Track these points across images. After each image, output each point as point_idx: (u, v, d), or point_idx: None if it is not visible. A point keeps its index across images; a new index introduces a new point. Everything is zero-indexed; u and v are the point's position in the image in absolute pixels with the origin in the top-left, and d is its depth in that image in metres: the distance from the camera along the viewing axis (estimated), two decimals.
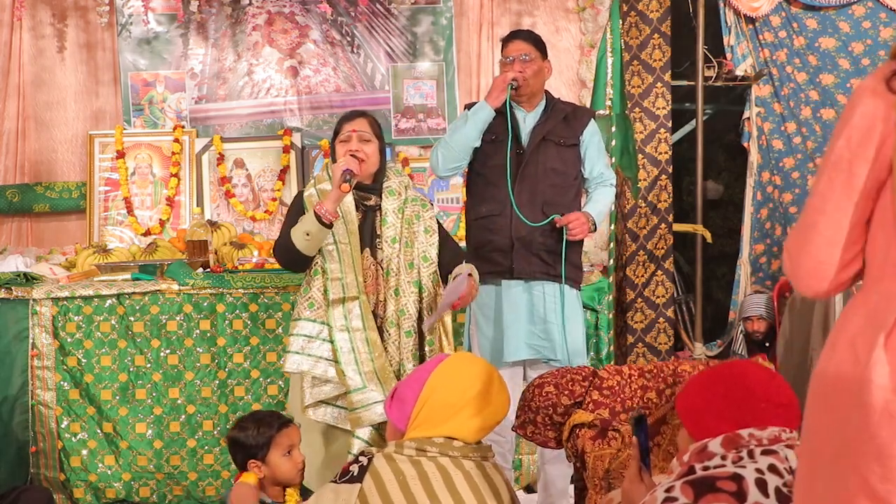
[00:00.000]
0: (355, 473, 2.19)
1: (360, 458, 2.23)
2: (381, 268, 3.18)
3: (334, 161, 3.21)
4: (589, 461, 2.76)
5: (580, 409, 2.88)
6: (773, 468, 1.87)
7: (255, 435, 2.77)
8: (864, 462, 1.42)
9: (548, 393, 2.95)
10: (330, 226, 3.06)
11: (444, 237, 3.32)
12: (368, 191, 3.21)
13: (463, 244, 4.15)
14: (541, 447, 3.74)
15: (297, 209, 3.21)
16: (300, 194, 3.26)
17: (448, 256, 3.28)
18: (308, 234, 3.06)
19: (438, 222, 3.33)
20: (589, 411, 2.90)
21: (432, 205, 3.39)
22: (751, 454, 1.90)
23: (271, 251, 3.32)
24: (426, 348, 3.20)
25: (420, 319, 3.20)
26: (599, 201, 3.72)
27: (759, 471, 1.86)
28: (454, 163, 3.62)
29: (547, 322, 3.58)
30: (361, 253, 3.17)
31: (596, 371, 2.97)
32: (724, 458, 1.92)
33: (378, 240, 3.19)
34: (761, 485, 1.84)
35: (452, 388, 2.30)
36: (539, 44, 3.69)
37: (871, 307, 1.50)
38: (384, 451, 2.23)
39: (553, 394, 2.95)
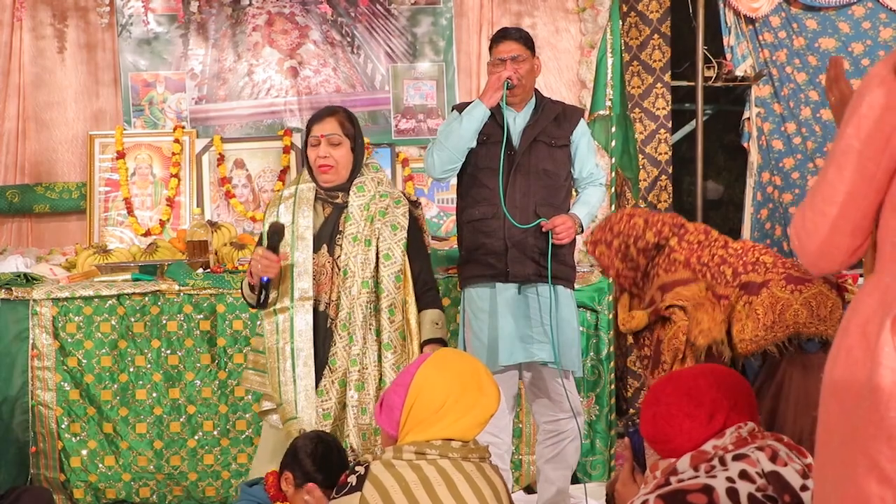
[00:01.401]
0: (353, 484, 2.16)
1: (357, 468, 2.19)
2: (338, 266, 3.07)
3: (308, 163, 3.14)
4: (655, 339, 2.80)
5: (663, 273, 2.88)
6: (744, 474, 1.87)
7: (309, 463, 2.73)
8: (874, 444, 1.43)
9: (635, 224, 2.95)
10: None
11: (418, 245, 3.20)
12: (338, 189, 3.13)
13: (455, 246, 4.16)
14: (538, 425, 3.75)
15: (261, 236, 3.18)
16: (261, 233, 3.18)
17: (416, 270, 3.17)
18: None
19: (420, 226, 3.24)
20: (665, 255, 2.90)
21: (416, 203, 3.31)
22: (722, 461, 1.91)
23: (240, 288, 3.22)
24: (386, 352, 3.06)
25: (378, 321, 3.06)
26: (588, 202, 3.70)
27: (729, 479, 1.86)
28: (450, 164, 3.59)
29: (542, 324, 3.55)
30: (318, 251, 3.08)
31: (684, 222, 2.96)
32: (696, 468, 1.93)
33: (339, 236, 3.09)
34: (732, 494, 1.84)
35: (438, 387, 2.25)
36: (528, 42, 3.67)
37: (883, 290, 1.51)
38: (382, 457, 2.20)
39: (640, 226, 2.95)
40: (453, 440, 2.22)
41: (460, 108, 3.69)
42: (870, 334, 1.48)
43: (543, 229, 3.53)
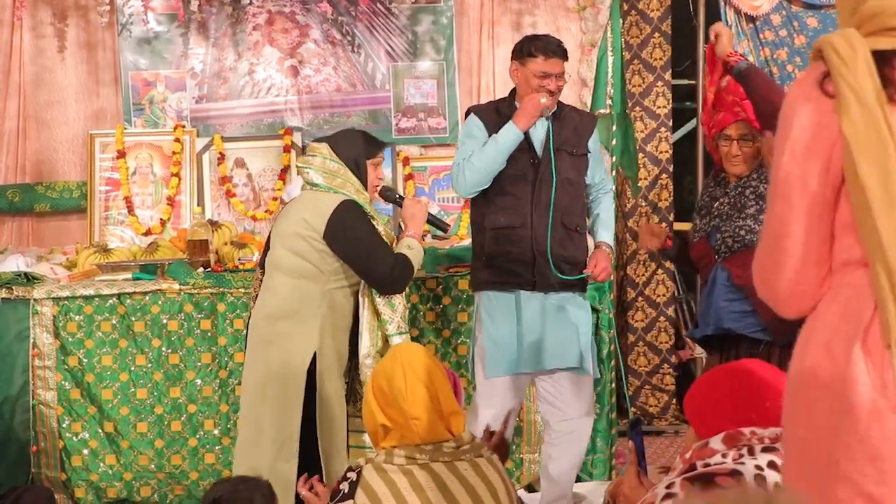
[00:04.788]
0: (346, 491, 2.14)
1: (349, 474, 2.17)
2: None
3: (364, 173, 3.38)
4: None
5: None
6: (772, 465, 1.88)
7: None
8: (857, 466, 1.38)
9: None
10: None
11: None
12: None
13: (463, 243, 4.16)
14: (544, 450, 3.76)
15: (371, 226, 3.33)
16: (359, 211, 3.32)
17: None
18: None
19: None
20: None
21: None
22: (751, 451, 1.91)
23: (392, 279, 3.32)
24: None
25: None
26: (609, 224, 3.77)
27: (758, 467, 1.86)
28: (481, 185, 3.57)
29: (565, 331, 3.60)
30: None
31: None
32: (724, 455, 1.92)
33: None
34: (760, 480, 1.84)
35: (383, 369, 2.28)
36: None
37: (842, 304, 1.46)
38: (374, 461, 2.17)
39: None
40: (445, 441, 2.20)
41: (478, 111, 3.66)
42: (836, 350, 1.42)
43: (589, 281, 3.67)
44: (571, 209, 3.62)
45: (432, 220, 3.52)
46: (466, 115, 3.80)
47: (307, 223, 3.27)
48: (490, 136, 3.58)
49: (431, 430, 2.18)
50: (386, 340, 3.32)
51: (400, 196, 3.49)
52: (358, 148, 3.37)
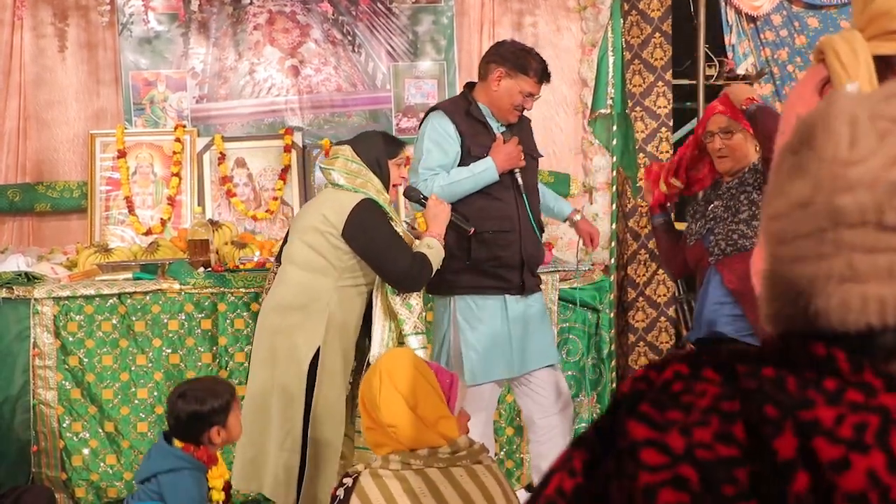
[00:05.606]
0: (342, 497, 2.14)
1: (345, 480, 2.17)
2: None
3: (387, 172, 3.43)
4: None
5: None
6: None
7: (218, 402, 2.84)
8: None
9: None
10: None
11: None
12: None
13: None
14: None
15: (389, 225, 3.34)
16: (379, 210, 3.33)
17: None
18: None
19: None
20: None
21: None
22: None
23: (409, 277, 3.34)
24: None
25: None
26: (556, 195, 4.04)
27: None
28: None
29: (545, 329, 3.70)
30: None
31: None
32: None
33: None
34: None
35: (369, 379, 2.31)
36: None
37: None
38: (371, 466, 2.17)
39: None
40: (439, 447, 2.18)
41: (449, 113, 3.58)
42: None
43: (590, 251, 3.97)
44: (539, 213, 3.74)
45: (455, 222, 3.51)
46: (430, 111, 3.69)
47: (326, 219, 3.30)
48: (462, 139, 3.56)
49: (413, 438, 2.17)
50: (402, 341, 3.32)
51: (424, 196, 3.48)
52: (378, 148, 3.42)
